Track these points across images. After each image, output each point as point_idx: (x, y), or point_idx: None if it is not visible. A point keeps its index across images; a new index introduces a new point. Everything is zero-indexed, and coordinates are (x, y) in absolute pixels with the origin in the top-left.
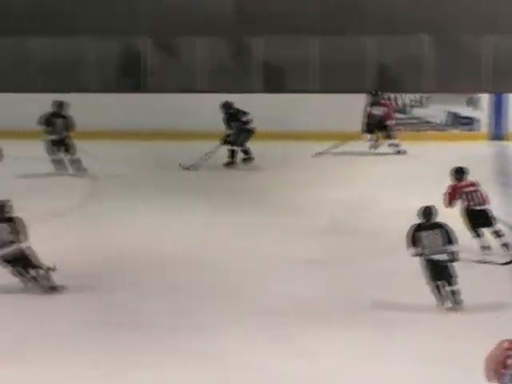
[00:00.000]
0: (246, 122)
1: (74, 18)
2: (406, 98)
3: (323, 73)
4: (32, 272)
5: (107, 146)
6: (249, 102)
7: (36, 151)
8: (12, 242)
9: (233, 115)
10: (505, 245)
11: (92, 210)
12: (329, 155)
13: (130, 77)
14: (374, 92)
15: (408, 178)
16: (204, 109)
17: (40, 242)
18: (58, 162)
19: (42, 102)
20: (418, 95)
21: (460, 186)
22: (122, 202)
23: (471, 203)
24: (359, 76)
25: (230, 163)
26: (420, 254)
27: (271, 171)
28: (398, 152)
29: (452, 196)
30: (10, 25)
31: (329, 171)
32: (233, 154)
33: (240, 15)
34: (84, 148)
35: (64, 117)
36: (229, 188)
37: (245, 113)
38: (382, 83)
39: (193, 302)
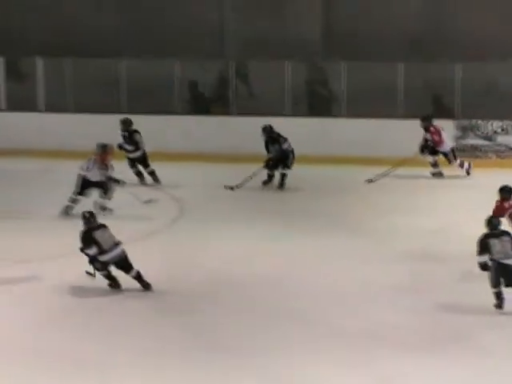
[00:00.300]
0: (286, 147)
1: (163, 42)
2: (492, 124)
3: (408, 98)
4: (132, 273)
5: (187, 166)
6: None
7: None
8: (117, 244)
9: (273, 139)
10: None
11: (176, 229)
12: (391, 179)
13: (217, 100)
14: (425, 116)
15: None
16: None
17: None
18: (138, 175)
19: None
20: (503, 122)
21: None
22: (204, 223)
23: None
24: (444, 102)
25: (266, 183)
26: (490, 260)
27: (338, 194)
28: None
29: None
30: (103, 47)
31: (400, 196)
32: (270, 177)
33: (327, 41)
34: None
35: (137, 133)
36: (303, 210)
37: (285, 138)
38: (465, 109)
39: (271, 323)
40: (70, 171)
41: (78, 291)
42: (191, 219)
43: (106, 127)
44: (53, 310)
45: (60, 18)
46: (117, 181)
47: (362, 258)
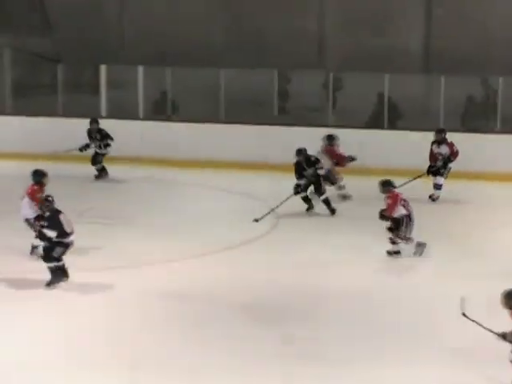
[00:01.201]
0: (322, 172)
1: (263, 53)
2: None
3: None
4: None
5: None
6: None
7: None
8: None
9: (311, 162)
10: None
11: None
12: None
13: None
14: (438, 130)
15: None
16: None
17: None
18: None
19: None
20: None
21: None
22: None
23: None
24: None
25: (310, 208)
26: None
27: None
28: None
29: None
30: (203, 57)
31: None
32: (307, 200)
33: (427, 55)
34: None
35: None
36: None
37: (317, 160)
38: None
39: (359, 337)
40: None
41: (182, 298)
42: (286, 229)
43: (205, 136)
44: (158, 314)
45: (161, 29)
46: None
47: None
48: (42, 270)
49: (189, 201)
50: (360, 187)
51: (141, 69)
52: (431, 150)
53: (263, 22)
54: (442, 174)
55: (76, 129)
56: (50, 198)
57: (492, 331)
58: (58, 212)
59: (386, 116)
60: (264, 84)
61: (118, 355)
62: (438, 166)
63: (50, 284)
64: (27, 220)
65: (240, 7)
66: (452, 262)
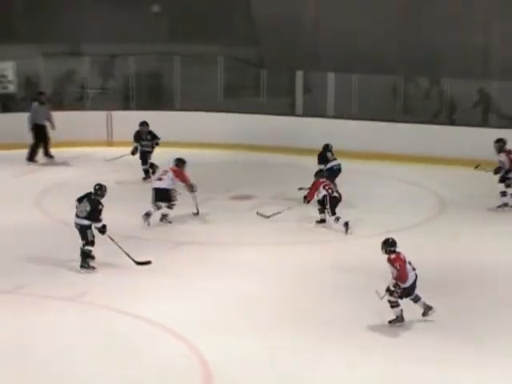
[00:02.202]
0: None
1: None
2: None
3: None
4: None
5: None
6: None
7: None
8: None
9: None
10: None
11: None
12: None
13: None
14: (497, 139)
15: None
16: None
17: None
18: None
19: None
20: None
21: None
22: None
23: None
24: None
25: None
26: None
27: None
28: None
29: None
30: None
31: None
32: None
33: None
34: None
35: None
36: None
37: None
38: None
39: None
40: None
41: (346, 270)
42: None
43: (381, 133)
44: (331, 284)
45: (349, 39)
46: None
47: None
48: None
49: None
50: None
51: (331, 75)
52: None
53: (433, 33)
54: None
55: (274, 124)
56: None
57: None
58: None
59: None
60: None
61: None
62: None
63: None
64: (167, 190)
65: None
66: None
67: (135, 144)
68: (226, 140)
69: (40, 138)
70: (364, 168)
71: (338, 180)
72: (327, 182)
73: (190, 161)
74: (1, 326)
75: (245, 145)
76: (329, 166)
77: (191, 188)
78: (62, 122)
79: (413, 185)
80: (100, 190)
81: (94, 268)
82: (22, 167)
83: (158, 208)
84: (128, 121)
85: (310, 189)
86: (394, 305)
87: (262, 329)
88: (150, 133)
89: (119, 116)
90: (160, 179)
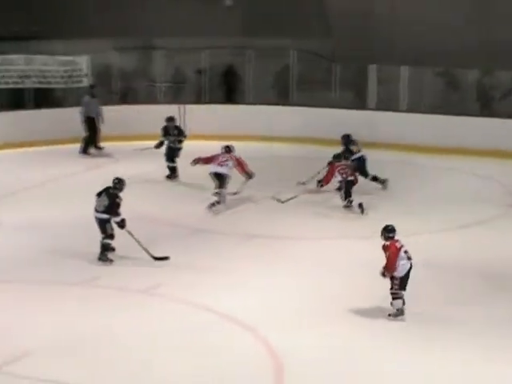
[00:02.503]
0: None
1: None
2: None
3: None
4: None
5: None
6: None
7: None
8: None
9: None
10: None
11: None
12: None
13: None
14: None
15: None
16: None
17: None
18: None
19: None
20: None
21: None
22: None
23: None
24: None
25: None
26: None
27: None
28: None
29: None
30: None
31: None
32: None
33: None
34: None
35: None
36: None
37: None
38: None
39: None
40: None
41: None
42: None
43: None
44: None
45: (423, 30)
46: None
47: None
48: None
49: (442, 181)
50: None
51: (405, 68)
52: None
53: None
54: None
55: (342, 118)
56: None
57: None
58: None
59: None
60: None
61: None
62: None
63: None
64: (224, 177)
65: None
66: None
67: (162, 138)
68: (297, 134)
69: (92, 131)
70: (436, 162)
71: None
72: (342, 166)
73: (260, 154)
74: (82, 319)
75: (316, 139)
76: (356, 156)
77: (251, 176)
78: (135, 115)
79: (486, 179)
80: (119, 183)
81: (111, 261)
82: (96, 160)
83: (220, 194)
84: (200, 114)
85: (327, 174)
86: (395, 297)
87: (336, 325)
88: (177, 128)
89: (191, 109)
90: (221, 165)
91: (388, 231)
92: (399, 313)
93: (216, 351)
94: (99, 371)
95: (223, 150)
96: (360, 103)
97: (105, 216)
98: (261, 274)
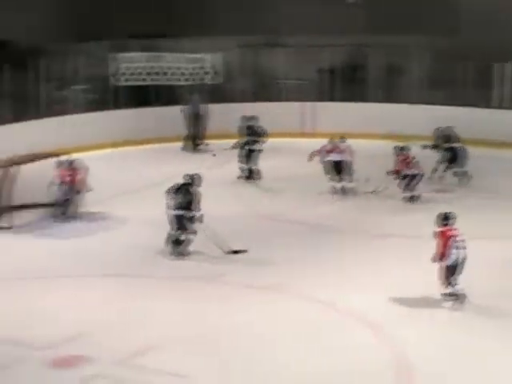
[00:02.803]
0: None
1: None
2: None
3: None
4: None
5: None
6: None
7: None
8: None
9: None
10: None
11: None
12: None
13: None
14: None
15: None
16: None
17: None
18: None
19: None
20: None
21: None
22: None
23: None
24: None
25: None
26: None
27: None
28: None
29: None
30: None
31: None
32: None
33: None
34: None
35: None
36: None
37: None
38: None
39: None
40: None
41: None
42: None
43: None
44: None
45: None
46: None
47: None
48: None
49: None
50: None
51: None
52: None
53: None
54: None
55: (472, 116)
56: None
57: None
58: None
59: None
60: None
61: None
62: None
63: None
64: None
65: None
66: None
67: (242, 139)
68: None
69: (198, 128)
70: None
71: None
72: (405, 158)
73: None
74: (212, 315)
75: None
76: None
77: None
78: (260, 113)
79: None
80: (197, 180)
81: (183, 255)
82: (222, 158)
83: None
84: (325, 112)
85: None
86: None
87: (462, 324)
88: (260, 128)
89: (315, 107)
90: (339, 153)
91: (443, 218)
92: (453, 298)
93: (332, 345)
94: (230, 370)
95: (337, 141)
96: (484, 101)
97: (182, 212)
98: (386, 273)
